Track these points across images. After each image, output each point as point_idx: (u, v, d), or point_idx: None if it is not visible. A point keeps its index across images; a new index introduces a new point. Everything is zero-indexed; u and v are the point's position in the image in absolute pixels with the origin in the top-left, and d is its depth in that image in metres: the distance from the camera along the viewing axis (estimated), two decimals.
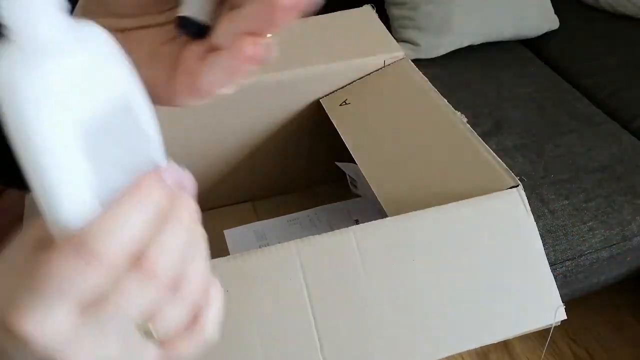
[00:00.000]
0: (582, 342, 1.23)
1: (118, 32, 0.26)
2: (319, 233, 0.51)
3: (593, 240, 0.93)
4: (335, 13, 0.80)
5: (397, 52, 0.73)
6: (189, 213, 0.21)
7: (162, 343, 0.21)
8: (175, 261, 0.20)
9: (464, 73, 1.23)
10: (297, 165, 0.84)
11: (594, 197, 0.96)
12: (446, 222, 0.53)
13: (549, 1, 1.35)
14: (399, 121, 0.66)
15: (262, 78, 0.69)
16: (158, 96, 0.27)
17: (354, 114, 0.69)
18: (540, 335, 1.20)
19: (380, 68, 0.73)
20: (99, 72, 0.21)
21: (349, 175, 0.83)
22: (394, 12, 1.28)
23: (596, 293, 1.14)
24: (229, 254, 0.49)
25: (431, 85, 0.67)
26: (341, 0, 1.12)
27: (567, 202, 0.96)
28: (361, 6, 0.81)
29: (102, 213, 0.19)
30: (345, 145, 0.66)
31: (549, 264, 0.54)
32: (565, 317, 0.53)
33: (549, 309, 0.53)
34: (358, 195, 0.84)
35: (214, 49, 0.26)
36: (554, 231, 0.92)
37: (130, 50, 0.23)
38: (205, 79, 0.26)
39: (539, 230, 0.54)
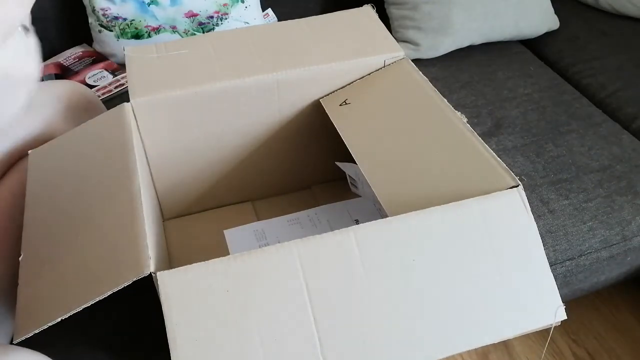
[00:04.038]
0: (582, 342, 1.23)
1: None
2: (319, 233, 0.51)
3: (593, 240, 0.93)
4: (335, 13, 0.80)
5: (397, 52, 0.73)
6: None
7: None
8: None
9: (464, 73, 1.23)
10: (297, 165, 0.84)
11: (594, 197, 0.96)
12: (446, 222, 0.53)
13: (549, 1, 1.35)
14: (399, 121, 0.66)
15: (262, 78, 0.69)
16: None
17: (354, 114, 0.69)
18: (540, 335, 1.20)
19: (380, 68, 0.73)
20: None
21: (349, 175, 0.83)
22: (394, 12, 1.27)
23: (596, 293, 1.14)
24: (229, 254, 0.49)
25: (431, 85, 0.67)
26: (341, 0, 1.12)
27: (567, 202, 0.96)
28: (361, 6, 0.81)
29: None
30: (345, 145, 0.66)
31: (549, 264, 0.54)
32: (565, 317, 0.53)
33: (549, 309, 0.53)
34: (358, 195, 0.84)
35: None
36: (554, 231, 0.92)
37: None
38: None
39: (539, 230, 0.54)
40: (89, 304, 0.48)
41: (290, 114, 0.75)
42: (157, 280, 0.47)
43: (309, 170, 0.85)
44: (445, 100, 0.64)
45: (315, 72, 0.71)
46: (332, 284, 0.49)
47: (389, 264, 0.51)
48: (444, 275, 0.51)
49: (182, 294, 0.47)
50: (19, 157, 0.67)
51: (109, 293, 0.48)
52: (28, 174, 0.63)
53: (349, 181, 0.84)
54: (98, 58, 1.18)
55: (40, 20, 1.21)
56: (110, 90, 1.12)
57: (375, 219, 0.52)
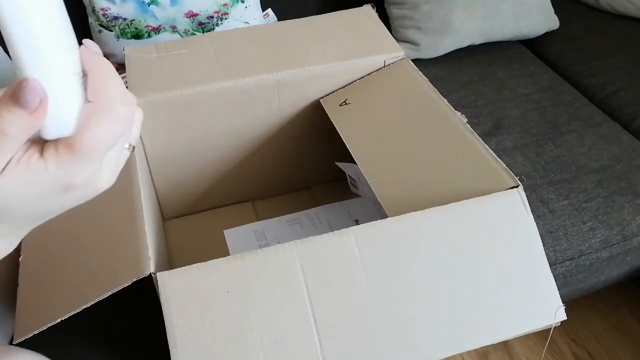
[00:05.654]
0: (582, 342, 1.23)
1: None
2: (319, 233, 0.51)
3: (593, 240, 0.93)
4: (335, 13, 0.80)
5: (397, 52, 0.73)
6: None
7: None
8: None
9: (464, 73, 1.23)
10: (297, 165, 0.84)
11: (594, 197, 0.96)
12: (446, 222, 0.53)
13: (549, 1, 1.35)
14: (399, 121, 0.66)
15: (262, 78, 0.69)
16: None
17: (354, 114, 0.69)
18: (540, 335, 1.20)
19: (380, 68, 0.73)
20: None
21: (349, 175, 0.83)
22: (394, 12, 1.27)
23: (596, 293, 1.14)
24: (229, 254, 0.49)
25: (431, 85, 0.67)
26: (341, 0, 1.12)
27: (567, 202, 0.96)
28: (361, 6, 0.81)
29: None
30: (345, 145, 0.66)
31: (549, 264, 0.54)
32: (565, 317, 0.53)
33: (549, 309, 0.53)
34: (358, 195, 0.84)
35: None
36: (554, 231, 0.92)
37: None
38: None
39: (539, 230, 0.54)
40: (89, 305, 0.48)
41: (290, 114, 0.75)
42: (157, 280, 0.47)
43: (309, 170, 0.85)
44: (445, 101, 0.64)
45: (315, 72, 0.71)
46: (332, 284, 0.49)
47: (389, 264, 0.51)
48: (444, 275, 0.51)
49: (182, 294, 0.47)
50: None
51: (109, 294, 0.48)
52: None
53: (349, 181, 0.84)
54: None
55: None
56: None
57: (376, 219, 0.52)
